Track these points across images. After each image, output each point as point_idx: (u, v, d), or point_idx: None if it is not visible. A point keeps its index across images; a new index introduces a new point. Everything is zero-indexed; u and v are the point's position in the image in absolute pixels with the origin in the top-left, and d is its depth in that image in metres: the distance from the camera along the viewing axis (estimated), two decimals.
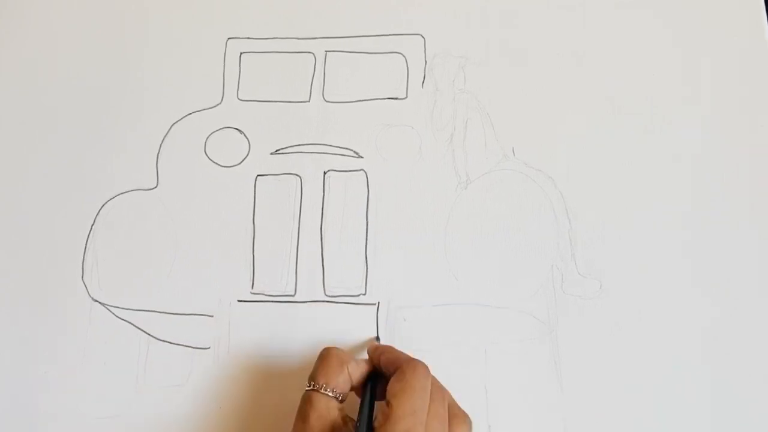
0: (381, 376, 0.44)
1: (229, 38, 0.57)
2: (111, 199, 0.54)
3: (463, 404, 0.47)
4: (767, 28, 0.55)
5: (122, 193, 0.54)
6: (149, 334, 0.50)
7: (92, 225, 0.53)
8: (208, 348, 0.50)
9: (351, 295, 0.51)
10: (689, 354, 0.48)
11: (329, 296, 0.51)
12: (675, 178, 0.52)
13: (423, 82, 0.55)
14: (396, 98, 0.55)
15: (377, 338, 0.49)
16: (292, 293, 0.51)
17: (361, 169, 0.53)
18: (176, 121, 0.55)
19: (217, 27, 0.58)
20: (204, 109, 0.56)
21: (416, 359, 0.42)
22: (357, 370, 0.43)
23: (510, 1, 0.57)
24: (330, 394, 0.41)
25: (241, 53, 0.57)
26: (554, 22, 0.56)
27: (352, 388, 0.43)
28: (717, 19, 0.56)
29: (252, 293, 0.51)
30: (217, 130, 0.55)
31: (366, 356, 0.46)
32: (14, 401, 0.49)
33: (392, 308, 0.50)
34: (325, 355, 0.43)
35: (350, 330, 0.50)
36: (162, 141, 0.55)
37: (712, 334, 0.48)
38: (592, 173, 0.52)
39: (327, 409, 0.40)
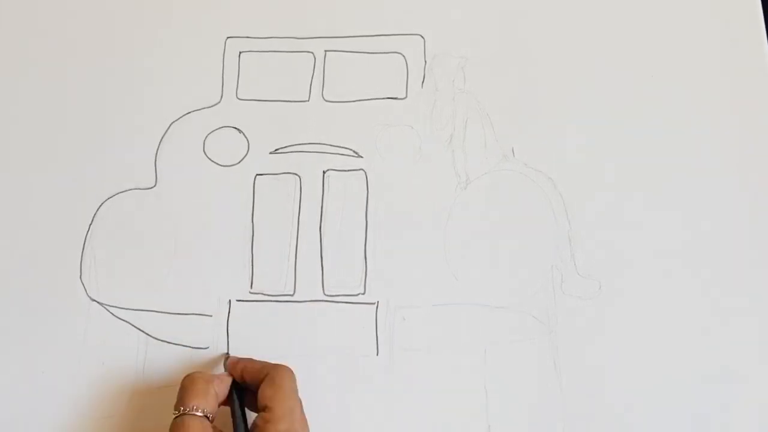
0: (243, 388, 0.46)
1: (228, 37, 0.57)
2: (109, 198, 0.53)
3: (463, 404, 0.47)
4: (765, 28, 0.55)
5: (121, 192, 0.53)
6: (148, 334, 0.50)
7: (90, 224, 0.53)
8: (207, 348, 0.50)
9: (350, 294, 0.51)
10: (689, 354, 0.48)
11: (328, 296, 0.51)
12: (675, 179, 0.52)
13: (423, 82, 0.55)
14: (396, 98, 0.55)
15: (227, 354, 0.49)
16: (291, 293, 0.51)
17: (360, 169, 0.53)
18: (175, 120, 0.55)
19: (216, 26, 0.58)
20: (203, 108, 0.55)
21: (281, 364, 0.44)
22: (221, 387, 0.44)
23: (510, 1, 0.57)
24: (200, 414, 0.42)
25: (240, 52, 0.57)
26: (554, 22, 0.56)
27: (220, 405, 0.44)
28: (717, 20, 0.56)
29: (251, 293, 0.51)
30: (215, 130, 0.55)
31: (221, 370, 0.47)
32: (13, 401, 0.49)
33: (391, 308, 0.50)
34: (190, 381, 0.44)
35: (349, 330, 0.50)
36: (161, 140, 0.55)
37: (712, 334, 0.48)
38: (592, 174, 0.52)
39: (203, 428, 0.41)
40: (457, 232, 0.52)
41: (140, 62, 0.57)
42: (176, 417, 0.42)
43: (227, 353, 0.49)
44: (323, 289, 0.51)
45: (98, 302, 0.51)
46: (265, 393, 0.43)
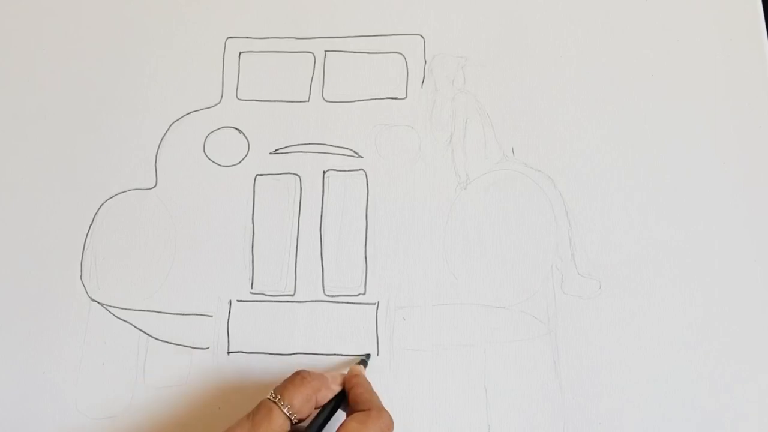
0: (345, 397, 0.44)
1: (228, 38, 0.57)
2: (110, 198, 0.53)
3: (463, 404, 0.47)
4: (765, 28, 0.55)
5: (121, 193, 0.54)
6: (148, 334, 0.50)
7: (91, 225, 0.53)
8: (207, 348, 0.50)
9: (350, 294, 0.51)
10: (689, 354, 0.48)
11: (329, 296, 0.51)
12: (674, 179, 0.52)
13: (422, 82, 0.55)
14: (395, 98, 0.55)
15: (365, 361, 0.48)
16: (292, 293, 0.51)
17: (360, 169, 0.53)
18: (175, 121, 0.55)
19: (216, 26, 0.58)
20: (203, 109, 0.56)
21: (385, 410, 0.42)
22: (326, 397, 0.43)
23: (509, 1, 0.57)
24: (287, 413, 0.41)
25: (240, 53, 0.57)
26: (554, 22, 0.56)
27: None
28: (716, 20, 0.56)
29: (251, 293, 0.51)
30: (216, 130, 0.55)
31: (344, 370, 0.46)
32: (13, 401, 0.49)
33: (391, 308, 0.50)
34: (298, 381, 0.43)
35: (350, 330, 0.50)
36: (161, 140, 0.55)
37: (712, 334, 0.48)
38: (592, 173, 0.52)
39: (280, 426, 0.41)
40: (457, 232, 0.52)
41: (140, 63, 0.57)
42: (270, 399, 0.41)
43: (365, 358, 0.48)
44: (323, 290, 0.51)
45: (99, 302, 0.51)
46: (349, 426, 0.40)
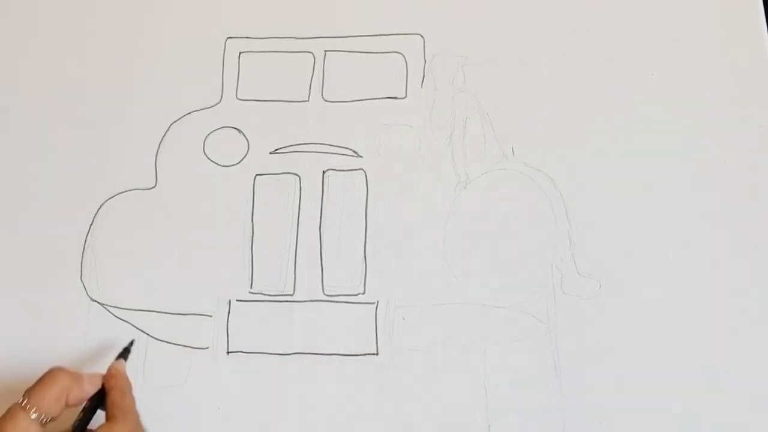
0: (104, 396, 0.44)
1: (228, 38, 0.57)
2: (110, 198, 0.53)
3: (463, 404, 0.47)
4: (765, 27, 0.55)
5: (121, 193, 0.54)
6: (148, 334, 0.50)
7: (91, 225, 0.53)
8: (207, 348, 0.50)
9: (350, 294, 0.51)
10: (689, 353, 0.48)
11: (328, 295, 0.51)
12: (675, 178, 0.52)
13: (422, 81, 0.55)
14: (395, 98, 0.55)
15: (127, 351, 0.48)
16: (291, 292, 0.51)
17: (360, 169, 0.53)
18: (175, 121, 0.55)
19: (216, 27, 0.58)
20: (203, 109, 0.56)
21: (132, 414, 0.43)
22: (79, 396, 0.43)
23: (509, 0, 0.57)
24: (34, 416, 0.40)
25: (240, 53, 0.57)
26: (554, 21, 0.56)
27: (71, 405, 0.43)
28: (716, 19, 0.56)
29: (251, 293, 0.51)
30: (215, 130, 0.55)
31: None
32: (13, 401, 0.49)
33: (391, 307, 0.50)
34: (48, 379, 0.42)
35: (349, 329, 0.50)
36: (161, 140, 0.55)
37: (713, 334, 0.48)
38: (592, 173, 0.52)
39: (24, 430, 0.40)
40: (457, 232, 0.51)
41: (140, 63, 0.57)
42: (17, 403, 0.41)
43: (125, 350, 0.48)
44: (323, 289, 0.51)
45: (99, 302, 0.51)
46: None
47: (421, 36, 0.56)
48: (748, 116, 0.53)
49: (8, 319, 0.51)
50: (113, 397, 0.43)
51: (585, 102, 0.54)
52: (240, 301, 0.51)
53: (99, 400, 0.44)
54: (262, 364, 0.49)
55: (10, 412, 0.40)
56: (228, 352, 0.50)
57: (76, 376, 0.43)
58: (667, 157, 0.52)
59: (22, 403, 0.41)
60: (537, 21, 0.56)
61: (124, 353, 0.48)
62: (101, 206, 0.53)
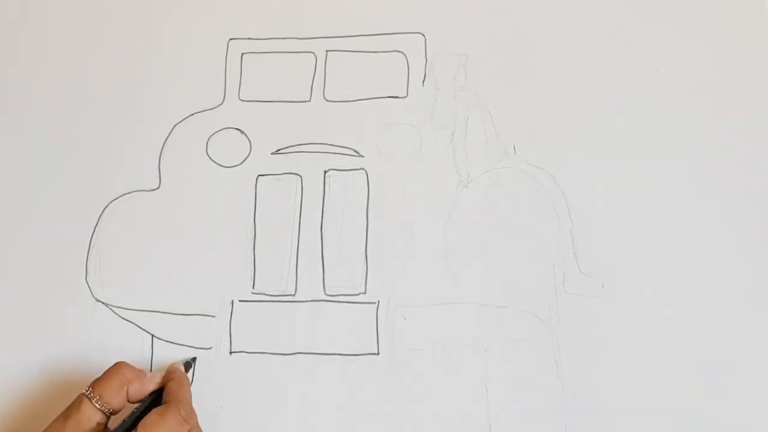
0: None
1: (230, 39, 0.58)
2: (114, 199, 0.54)
3: (464, 404, 0.47)
4: None
5: (125, 194, 0.54)
6: (152, 334, 0.51)
7: (96, 226, 0.53)
8: (210, 348, 0.50)
9: (351, 294, 0.51)
10: (691, 353, 0.47)
11: (329, 295, 0.51)
12: (677, 176, 0.51)
13: (423, 80, 0.55)
14: (396, 97, 0.55)
15: (189, 363, 0.49)
16: (293, 293, 0.51)
17: (361, 168, 0.53)
18: (178, 122, 0.56)
19: (218, 28, 0.58)
20: (206, 110, 0.56)
21: (186, 401, 0.44)
22: (139, 391, 0.44)
23: None
24: (98, 406, 0.42)
25: (242, 54, 0.57)
26: (555, 19, 0.56)
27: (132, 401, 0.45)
28: (720, 15, 0.55)
29: (253, 293, 0.51)
30: (218, 131, 0.55)
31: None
32: (17, 401, 0.50)
33: (392, 307, 0.50)
34: (112, 372, 0.44)
35: (350, 329, 0.50)
36: (164, 142, 0.55)
37: (714, 333, 0.48)
38: (594, 171, 0.52)
39: (88, 419, 0.42)
40: (458, 231, 0.51)
41: (143, 65, 0.57)
42: (83, 393, 0.43)
43: (190, 360, 0.49)
44: (324, 289, 0.51)
45: (103, 303, 0.52)
46: (149, 417, 0.42)
47: (422, 35, 0.56)
48: (753, 115, 0.52)
49: (13, 319, 0.51)
50: (170, 387, 0.45)
51: (587, 100, 0.54)
52: (242, 301, 0.51)
53: (157, 399, 0.45)
54: (264, 363, 0.49)
55: (76, 400, 0.43)
56: (231, 352, 0.50)
57: (138, 372, 0.45)
58: (669, 155, 0.52)
59: (87, 392, 0.43)
60: (538, 18, 0.56)
61: (186, 366, 0.48)
62: (106, 207, 0.54)
